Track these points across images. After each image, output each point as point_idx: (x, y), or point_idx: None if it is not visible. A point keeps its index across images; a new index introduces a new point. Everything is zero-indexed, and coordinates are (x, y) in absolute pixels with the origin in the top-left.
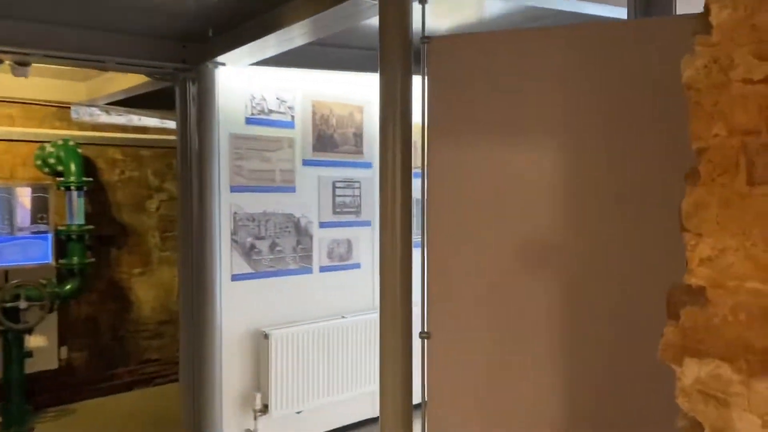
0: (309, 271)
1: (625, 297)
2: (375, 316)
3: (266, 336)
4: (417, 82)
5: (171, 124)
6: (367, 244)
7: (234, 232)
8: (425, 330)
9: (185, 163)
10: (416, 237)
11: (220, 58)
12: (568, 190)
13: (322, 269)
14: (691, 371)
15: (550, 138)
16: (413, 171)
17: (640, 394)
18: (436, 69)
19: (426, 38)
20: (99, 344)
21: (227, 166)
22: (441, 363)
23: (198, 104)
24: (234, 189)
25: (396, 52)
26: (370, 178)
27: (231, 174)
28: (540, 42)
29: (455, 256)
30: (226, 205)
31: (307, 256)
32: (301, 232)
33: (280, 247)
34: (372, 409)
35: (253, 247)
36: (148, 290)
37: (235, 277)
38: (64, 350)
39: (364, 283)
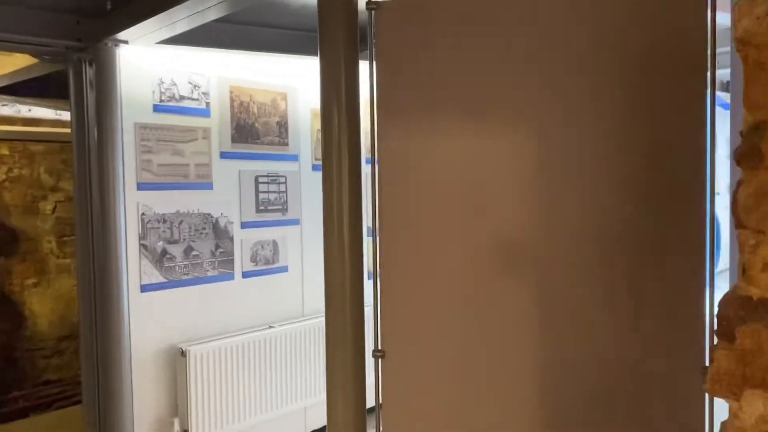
0: (230, 277)
1: (608, 302)
2: (306, 324)
3: (183, 353)
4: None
5: (67, 116)
6: (295, 245)
7: (142, 236)
8: (379, 348)
9: (82, 157)
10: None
11: (121, 35)
12: (543, 181)
13: (246, 275)
14: (754, 407)
15: (523, 120)
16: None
17: (623, 406)
18: (386, 40)
19: (373, 3)
20: None
21: (133, 161)
22: (397, 384)
23: (96, 89)
24: (141, 186)
25: (339, 21)
26: (296, 172)
27: (137, 169)
28: (511, 3)
29: (411, 259)
30: (133, 205)
31: (228, 261)
32: (220, 234)
33: (197, 252)
34: (306, 427)
35: (165, 252)
36: (44, 303)
37: (145, 288)
38: None
39: (293, 289)
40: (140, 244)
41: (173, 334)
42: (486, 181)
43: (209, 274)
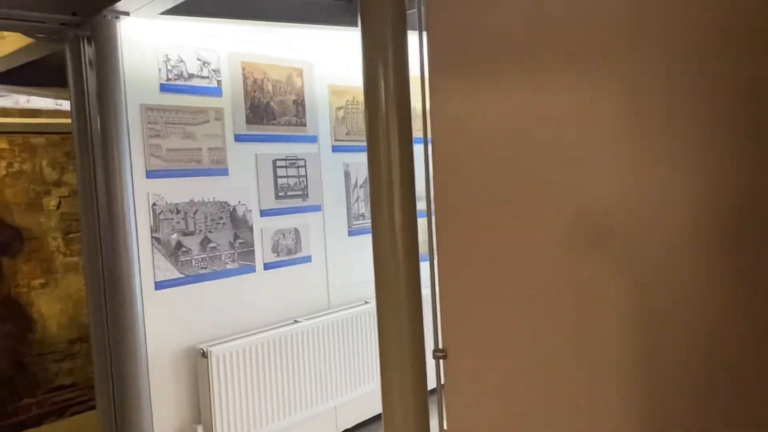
0: (251, 269)
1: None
2: (333, 318)
3: (204, 354)
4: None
5: (68, 105)
6: (317, 233)
7: (155, 229)
8: (440, 347)
9: (85, 145)
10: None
11: (120, 5)
12: (637, 139)
13: (267, 266)
14: None
15: (611, 71)
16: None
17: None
18: None
19: None
20: None
21: (140, 147)
22: (463, 388)
23: (97, 69)
24: (151, 174)
25: None
26: (315, 155)
27: (146, 156)
28: None
29: (475, 240)
30: (142, 196)
31: (248, 252)
32: (238, 224)
33: (214, 244)
34: (337, 427)
35: (179, 245)
36: (53, 304)
37: (159, 285)
38: None
39: (318, 280)
40: (152, 238)
41: (192, 333)
42: (564, 144)
43: (228, 267)
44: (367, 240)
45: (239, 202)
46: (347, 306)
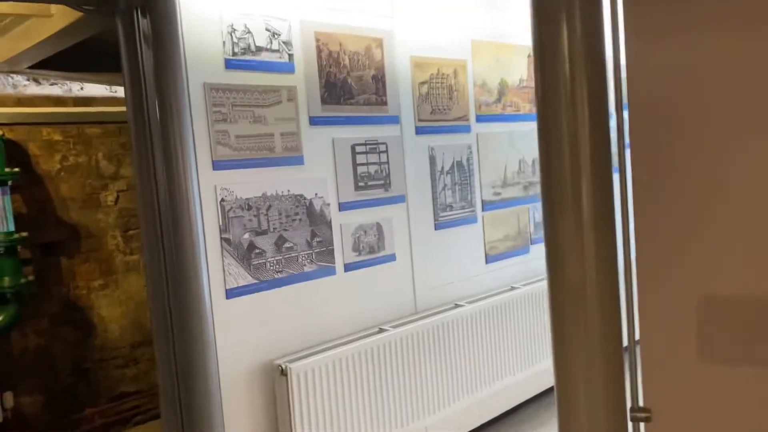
0: (331, 271)
1: None
2: (421, 325)
3: (283, 371)
4: None
5: (123, 92)
6: (401, 228)
7: (224, 229)
8: (640, 405)
9: (142, 135)
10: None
11: None
12: None
13: (348, 267)
14: None
15: None
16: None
17: None
18: None
19: None
20: (57, 383)
21: (205, 134)
22: None
23: (154, 44)
24: (218, 165)
25: None
26: (398, 138)
27: (212, 144)
28: None
29: (697, 252)
30: (209, 190)
31: (327, 252)
32: (316, 220)
33: (290, 243)
34: None
35: (252, 246)
36: (114, 306)
37: (231, 293)
38: (9, 397)
39: (403, 281)
40: (221, 239)
41: (269, 347)
42: None
43: (306, 269)
44: (455, 234)
45: (316, 194)
46: (436, 310)
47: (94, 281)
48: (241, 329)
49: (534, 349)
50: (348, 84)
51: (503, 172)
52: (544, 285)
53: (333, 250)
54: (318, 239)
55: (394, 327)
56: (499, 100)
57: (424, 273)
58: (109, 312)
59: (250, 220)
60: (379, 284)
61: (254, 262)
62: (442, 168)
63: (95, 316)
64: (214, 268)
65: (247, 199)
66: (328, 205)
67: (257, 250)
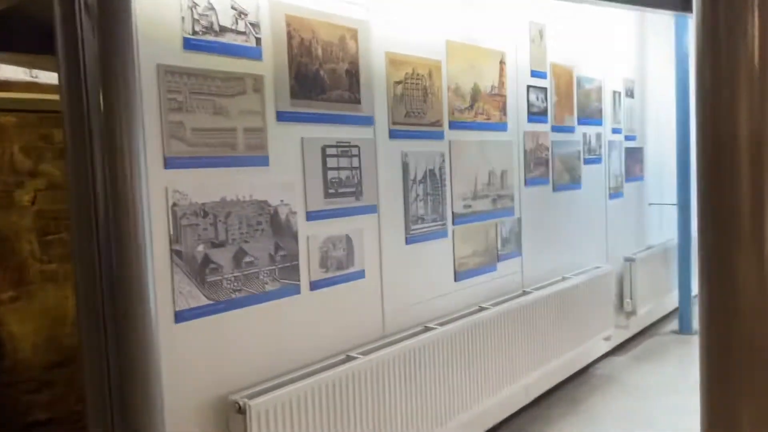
0: (296, 290)
1: None
2: (391, 351)
3: (241, 408)
4: None
5: (47, 77)
6: (372, 241)
7: (175, 239)
8: None
9: (79, 124)
10: None
11: None
12: None
13: (315, 285)
14: None
15: None
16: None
17: None
18: None
19: None
20: None
21: (157, 123)
22: None
23: (99, 17)
24: (171, 163)
25: None
26: (370, 141)
27: (164, 137)
28: None
29: None
30: (159, 192)
31: (292, 268)
32: (280, 230)
33: (251, 257)
34: None
35: (207, 260)
36: (26, 322)
37: (181, 316)
38: None
39: (372, 301)
40: (172, 251)
41: (224, 379)
42: None
43: (268, 288)
44: (426, 249)
45: (282, 201)
46: (405, 333)
47: (4, 293)
48: (191, 359)
49: (503, 372)
50: (320, 77)
51: (474, 183)
52: (512, 305)
53: (298, 265)
54: (282, 253)
55: (363, 354)
56: (471, 106)
57: (394, 292)
58: (21, 328)
59: (206, 230)
60: (347, 305)
61: (209, 279)
62: (415, 176)
63: (4, 333)
64: (161, 287)
65: (203, 204)
66: (295, 213)
67: (213, 265)
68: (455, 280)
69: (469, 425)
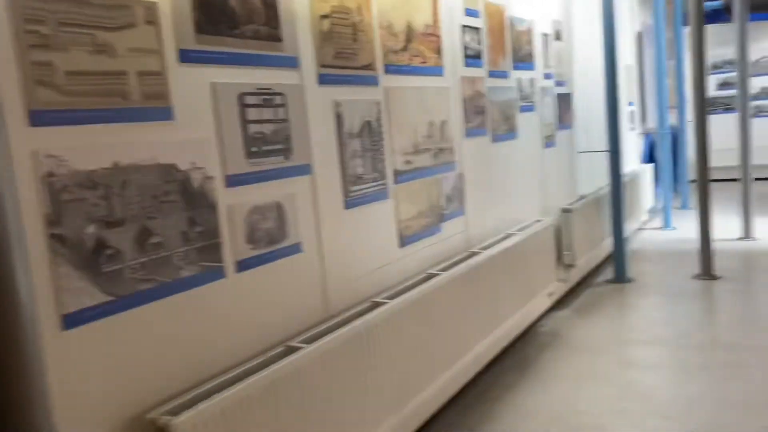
0: (219, 274)
1: None
2: (337, 337)
3: (162, 429)
4: None
5: None
6: (307, 208)
7: (55, 220)
8: None
9: None
10: None
11: None
12: None
13: (243, 265)
14: None
15: None
16: None
17: None
18: None
19: None
20: None
21: (13, 65)
22: None
23: None
24: (39, 118)
25: None
26: (297, 88)
27: (27, 83)
28: None
29: None
30: (24, 158)
31: (213, 246)
32: (194, 201)
33: (159, 237)
34: None
35: (102, 245)
36: None
37: (71, 320)
38: None
39: (312, 277)
40: (50, 236)
41: (137, 395)
42: None
43: (184, 273)
44: (367, 213)
45: (194, 164)
46: (351, 312)
47: None
48: (91, 373)
49: (458, 343)
50: (230, 7)
51: (414, 136)
52: (462, 269)
53: (220, 243)
54: (199, 229)
55: (306, 342)
56: (405, 48)
57: (336, 265)
58: None
59: (97, 205)
60: (284, 285)
61: (105, 269)
62: (351, 130)
63: None
64: (40, 285)
65: (90, 172)
66: (211, 179)
67: (109, 251)
68: (400, 246)
69: (425, 405)
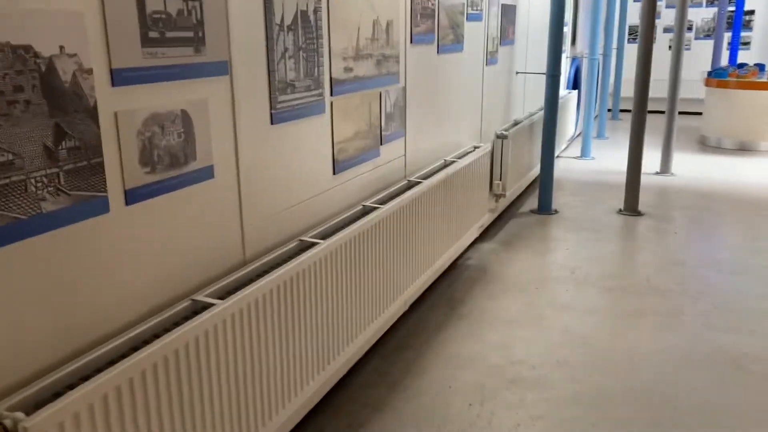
0: (101, 207)
1: None
2: (257, 289)
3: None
4: None
5: None
6: (223, 120)
7: None
8: None
9: None
10: None
11: None
12: None
13: (134, 196)
14: None
15: None
16: None
17: None
18: None
19: None
20: None
21: None
22: None
23: None
24: None
25: None
26: None
27: None
28: None
29: None
30: None
31: (91, 168)
32: (62, 103)
33: (8, 155)
34: None
35: None
36: None
37: None
38: None
39: (226, 210)
40: None
41: None
42: None
43: (48, 207)
44: (297, 131)
45: (62, 49)
46: (274, 256)
47: None
48: None
49: (391, 285)
50: None
51: (356, 37)
52: (400, 202)
53: (102, 163)
54: (70, 144)
55: (218, 296)
56: None
57: (256, 195)
58: None
59: None
60: (189, 222)
61: None
62: (282, 20)
63: None
64: None
65: None
66: (88, 73)
67: None
68: (334, 173)
69: (348, 361)
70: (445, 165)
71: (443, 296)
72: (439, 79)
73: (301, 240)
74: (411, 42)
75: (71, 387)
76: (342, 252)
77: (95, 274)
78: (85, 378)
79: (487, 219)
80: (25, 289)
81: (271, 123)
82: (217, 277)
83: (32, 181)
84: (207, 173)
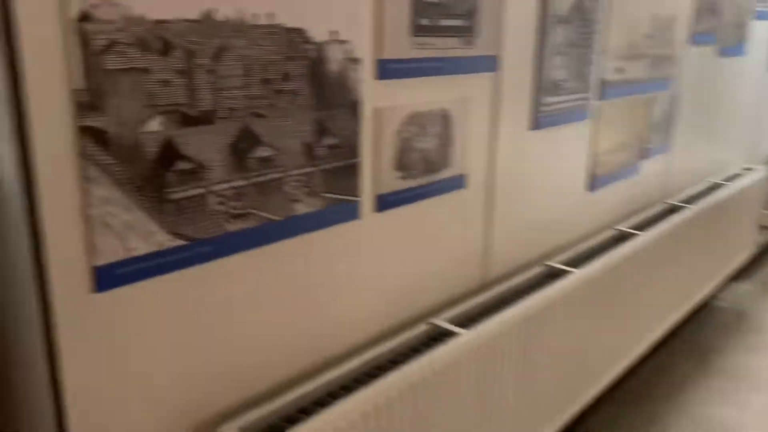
0: (351, 213)
1: None
2: (504, 320)
3: None
4: None
5: None
6: (481, 123)
7: (90, 102)
8: None
9: None
10: None
11: None
12: None
13: (385, 202)
14: None
15: None
16: None
17: None
18: None
19: None
20: None
21: None
22: None
23: None
24: None
25: None
26: None
27: None
28: None
29: None
30: None
31: (346, 169)
32: (329, 94)
33: (271, 149)
34: None
35: (171, 153)
36: None
37: (110, 277)
38: None
39: (474, 224)
40: (81, 129)
41: (203, 397)
42: None
43: (299, 209)
44: (556, 139)
45: (332, 35)
46: (517, 282)
47: None
48: (130, 360)
49: (635, 328)
50: None
51: (634, 32)
52: (662, 230)
53: (358, 165)
54: (330, 142)
55: (457, 322)
56: None
57: (504, 210)
58: None
59: (167, 84)
60: (432, 234)
61: (177, 195)
62: (558, 11)
63: None
64: (58, 216)
65: (156, 24)
66: (357, 62)
67: (184, 164)
68: (589, 189)
69: (588, 401)
70: (712, 188)
71: (689, 342)
72: (715, 87)
73: (547, 265)
74: (691, 41)
75: (304, 411)
76: (594, 284)
77: (335, 286)
78: (319, 402)
79: (746, 254)
80: (276, 299)
81: (531, 128)
82: (454, 298)
83: (289, 180)
84: (459, 182)
